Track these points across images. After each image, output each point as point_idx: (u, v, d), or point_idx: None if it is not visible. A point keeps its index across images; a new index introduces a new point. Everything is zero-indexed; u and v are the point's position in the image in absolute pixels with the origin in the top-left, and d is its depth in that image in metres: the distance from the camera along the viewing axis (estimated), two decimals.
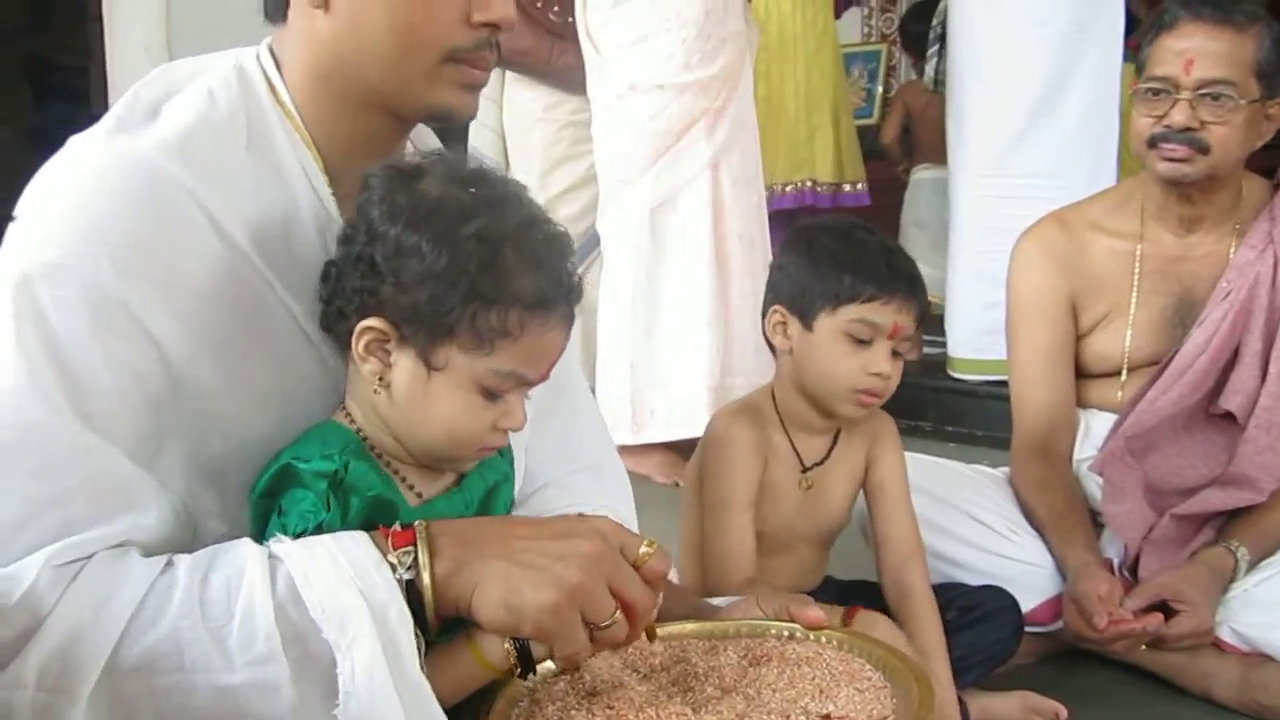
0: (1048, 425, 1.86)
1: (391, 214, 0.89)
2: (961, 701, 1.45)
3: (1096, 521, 1.82)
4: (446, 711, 0.85)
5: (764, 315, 1.54)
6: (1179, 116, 1.68)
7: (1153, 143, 1.72)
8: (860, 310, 1.43)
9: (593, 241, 3.04)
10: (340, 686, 0.79)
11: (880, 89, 5.81)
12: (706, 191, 2.81)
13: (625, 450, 2.72)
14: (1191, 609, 1.59)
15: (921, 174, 4.04)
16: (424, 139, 1.13)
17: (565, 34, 3.05)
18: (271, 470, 0.91)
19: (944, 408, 3.48)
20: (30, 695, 0.77)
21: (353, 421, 0.95)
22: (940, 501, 1.80)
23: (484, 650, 0.87)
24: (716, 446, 1.53)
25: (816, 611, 1.09)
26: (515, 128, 3.33)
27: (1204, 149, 1.69)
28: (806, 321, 1.47)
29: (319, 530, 0.87)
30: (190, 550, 0.86)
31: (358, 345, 0.90)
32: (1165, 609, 1.61)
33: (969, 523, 1.80)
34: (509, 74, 3.28)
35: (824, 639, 1.07)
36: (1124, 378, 1.84)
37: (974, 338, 3.30)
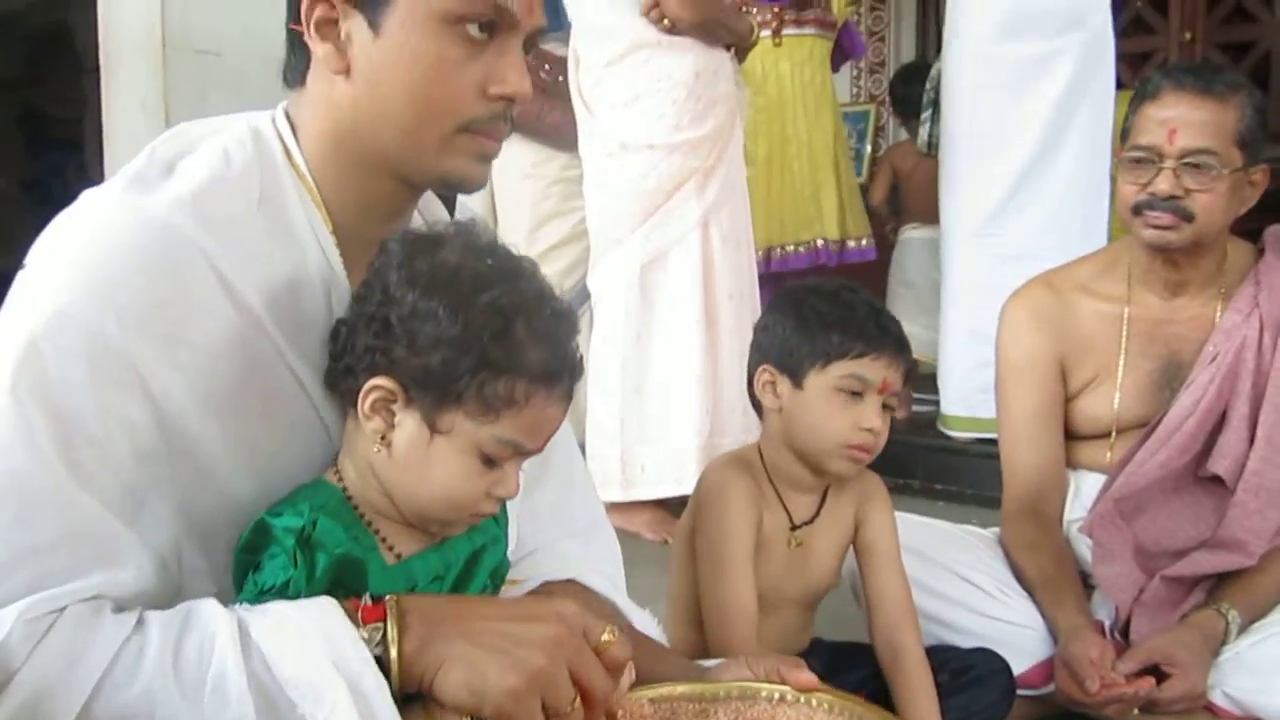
0: (1037, 487, 1.86)
1: (411, 278, 0.91)
2: None
3: (1087, 583, 1.82)
4: None
5: (750, 376, 1.55)
6: (1163, 185, 1.70)
7: (1138, 210, 1.74)
8: (850, 366, 1.45)
9: (581, 296, 3.05)
10: None
11: (869, 149, 5.88)
12: (697, 250, 2.83)
13: (614, 507, 2.71)
14: (1183, 673, 1.59)
15: (909, 234, 4.08)
16: (431, 207, 1.15)
17: (556, 92, 3.09)
18: (251, 527, 0.91)
19: (933, 466, 3.47)
20: None
21: (341, 480, 0.96)
22: (930, 561, 1.79)
23: None
24: (712, 497, 1.52)
25: (808, 674, 1.08)
26: (504, 182, 3.35)
27: (1188, 216, 1.71)
28: (796, 380, 1.48)
29: (285, 587, 0.87)
30: (171, 607, 0.86)
31: (364, 403, 0.92)
32: (1157, 672, 1.60)
33: (959, 583, 1.79)
34: None
35: (815, 702, 1.06)
36: (1113, 439, 1.84)
37: (967, 395, 3.30)
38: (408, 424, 0.92)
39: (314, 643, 0.82)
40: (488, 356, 0.89)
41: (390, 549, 0.96)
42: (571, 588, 1.14)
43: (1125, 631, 1.71)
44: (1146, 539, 1.76)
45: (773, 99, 3.91)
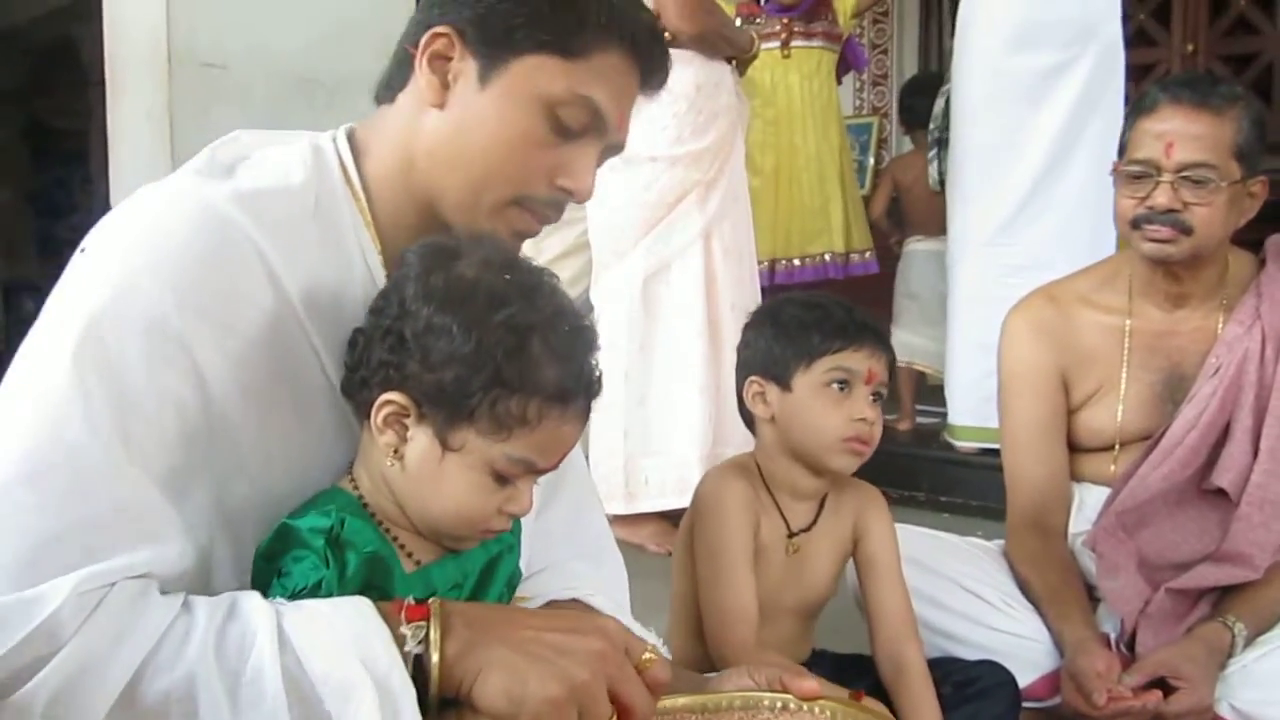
0: (1041, 500, 1.86)
1: (426, 293, 0.91)
2: None
3: (1092, 596, 1.81)
4: None
5: (739, 391, 1.57)
6: (1161, 199, 1.70)
7: (1136, 224, 1.74)
8: (834, 360, 1.48)
9: (585, 308, 3.04)
10: None
11: (872, 161, 5.89)
12: (699, 262, 2.83)
13: (618, 520, 2.71)
14: (1190, 686, 1.58)
15: (914, 246, 4.08)
16: None
17: None
18: (273, 533, 0.91)
19: (938, 478, 3.47)
20: None
21: (356, 488, 0.96)
22: (934, 574, 1.79)
23: None
24: (710, 503, 1.54)
25: (811, 682, 1.08)
26: None
27: (1187, 230, 1.70)
28: (784, 384, 1.51)
29: (318, 588, 0.87)
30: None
31: (376, 417, 0.92)
32: (1164, 685, 1.60)
33: (963, 595, 1.79)
34: None
35: (818, 710, 1.06)
36: (1116, 452, 1.84)
37: (975, 405, 3.30)
38: (420, 439, 0.92)
39: (344, 640, 0.82)
40: (501, 375, 0.89)
41: (409, 556, 0.96)
42: (576, 608, 1.14)
43: (1131, 644, 1.71)
44: (1150, 552, 1.76)
45: (781, 111, 3.92)
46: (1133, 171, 1.74)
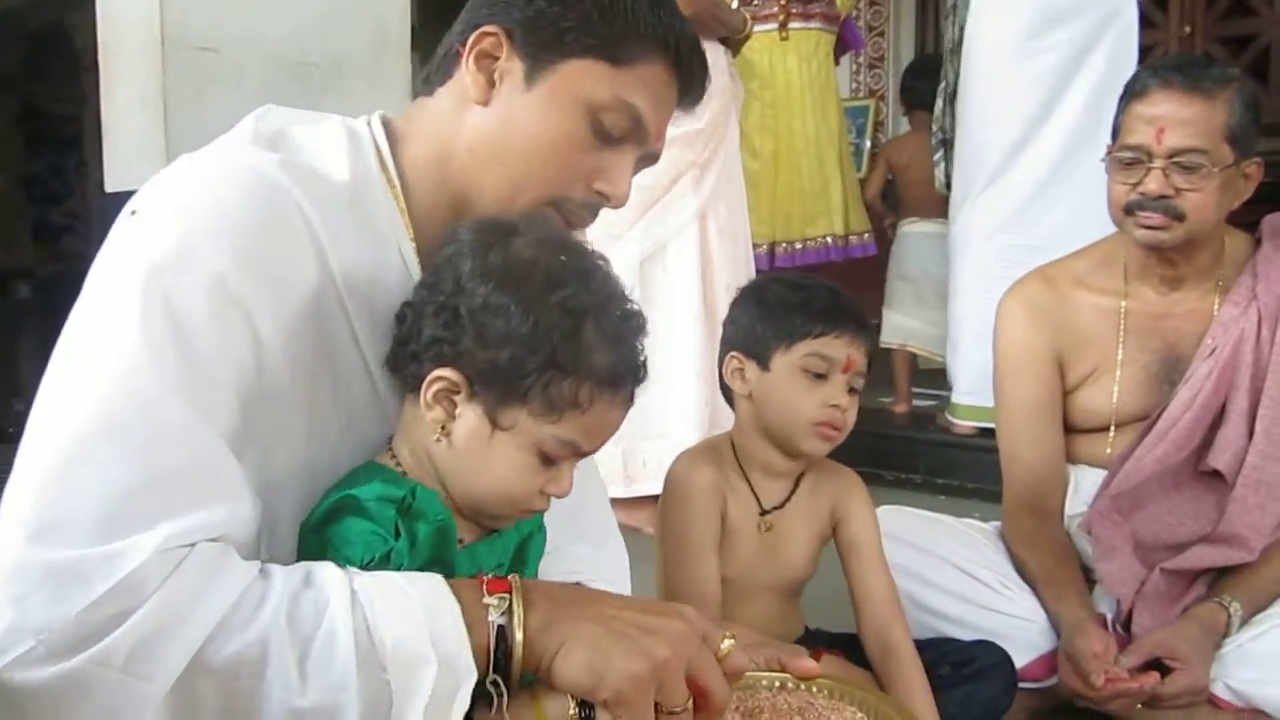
0: (1037, 482, 1.86)
1: (484, 270, 0.90)
2: None
3: (1089, 577, 1.82)
4: None
5: (720, 366, 1.59)
6: (1153, 185, 1.69)
7: (1129, 210, 1.74)
8: (814, 345, 1.49)
9: None
10: None
11: (868, 144, 5.88)
12: (694, 243, 2.83)
13: (617, 503, 2.71)
14: (1186, 667, 1.59)
15: (908, 228, 4.07)
16: None
17: None
18: (328, 502, 0.90)
19: (934, 460, 3.48)
20: (114, 677, 0.76)
21: (398, 464, 0.95)
22: (931, 555, 1.80)
23: (547, 711, 0.87)
24: (676, 489, 1.56)
25: (809, 661, 1.09)
26: None
27: (1179, 216, 1.70)
28: (763, 363, 1.53)
29: (386, 560, 0.87)
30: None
31: (427, 392, 0.91)
32: (1159, 666, 1.60)
33: (960, 577, 1.79)
34: None
35: (815, 689, 1.07)
36: (1112, 434, 1.84)
37: (982, 385, 3.30)
38: (469, 416, 0.92)
39: (417, 614, 0.82)
40: (556, 357, 0.89)
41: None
42: None
43: (1127, 625, 1.71)
44: (1146, 534, 1.76)
45: (779, 93, 3.91)
46: (1124, 157, 1.73)
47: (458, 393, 0.91)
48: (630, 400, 0.96)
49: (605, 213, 1.10)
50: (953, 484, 3.38)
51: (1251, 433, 1.72)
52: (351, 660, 0.79)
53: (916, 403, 3.92)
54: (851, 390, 1.52)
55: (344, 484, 0.92)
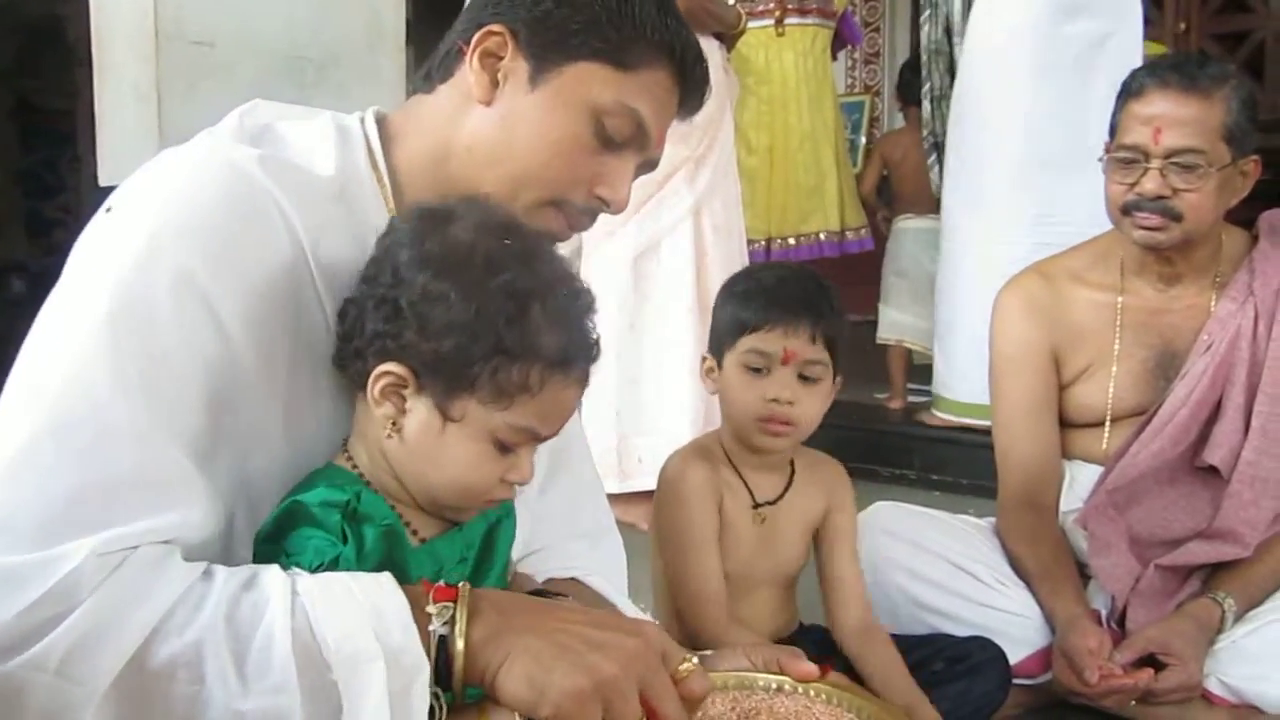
0: (1033, 477, 1.86)
1: (421, 259, 0.89)
2: None
3: (1084, 573, 1.82)
4: None
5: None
6: (1150, 185, 1.69)
7: (1126, 210, 1.73)
8: (750, 341, 1.48)
9: None
10: None
11: (863, 140, 5.88)
12: (689, 239, 2.83)
13: (612, 499, 2.71)
14: (1180, 663, 1.59)
15: (903, 224, 4.06)
16: None
17: None
18: (277, 512, 0.89)
19: (929, 456, 3.48)
20: (48, 680, 0.75)
21: (354, 465, 0.94)
22: (926, 551, 1.79)
23: None
24: (670, 491, 1.55)
25: (808, 664, 1.08)
26: None
27: (1176, 216, 1.69)
28: (719, 361, 1.53)
29: (335, 564, 0.85)
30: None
31: (373, 389, 0.90)
32: (1154, 662, 1.60)
33: (955, 573, 1.79)
34: None
35: (813, 692, 1.06)
36: (1108, 429, 1.84)
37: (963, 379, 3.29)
38: (419, 410, 0.90)
39: (361, 611, 0.80)
40: (502, 342, 0.87)
41: (413, 532, 0.95)
42: (573, 586, 1.13)
43: (1122, 621, 1.72)
44: (1141, 529, 1.76)
45: (776, 89, 3.90)
46: (1121, 157, 1.72)
47: (405, 387, 0.89)
48: (585, 380, 0.94)
49: None
50: (947, 480, 3.38)
51: (1248, 428, 1.72)
52: (290, 662, 0.77)
53: (912, 399, 3.91)
54: (806, 379, 1.48)
55: (295, 490, 0.91)
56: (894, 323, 3.94)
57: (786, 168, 3.92)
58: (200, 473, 0.85)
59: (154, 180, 0.92)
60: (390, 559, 0.88)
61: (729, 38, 2.96)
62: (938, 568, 1.79)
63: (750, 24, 3.36)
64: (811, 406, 1.49)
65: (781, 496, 1.58)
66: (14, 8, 5.23)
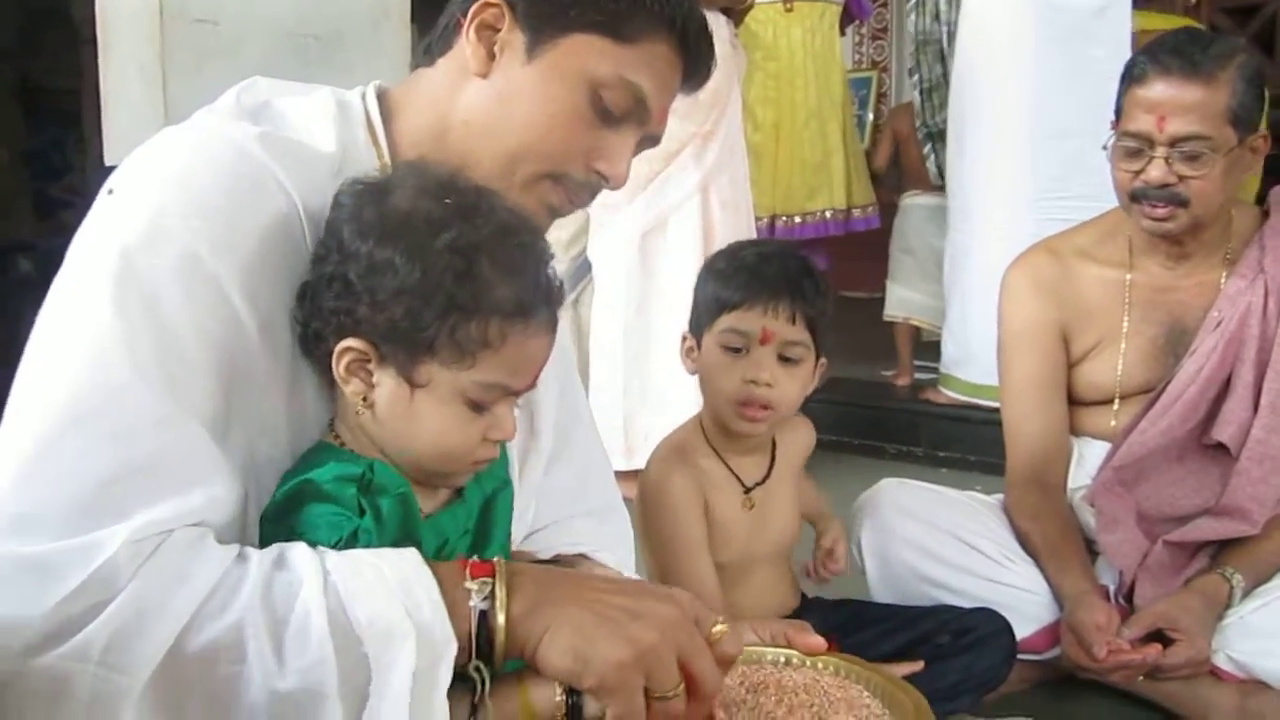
0: (1041, 454, 1.86)
1: (362, 230, 0.88)
2: None
3: (1091, 549, 1.82)
4: None
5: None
6: (1156, 173, 1.67)
7: (1134, 198, 1.72)
8: (727, 320, 1.44)
9: (584, 268, 3.04)
10: (371, 701, 0.78)
11: (871, 116, 5.85)
12: (696, 215, 2.82)
13: (618, 476, 2.71)
14: (1187, 638, 1.59)
15: (911, 200, 4.05)
16: None
17: None
18: (284, 490, 0.88)
19: (936, 433, 3.48)
20: (92, 670, 0.75)
21: (342, 444, 0.94)
22: (934, 527, 1.80)
23: (533, 698, 0.86)
24: (654, 496, 1.51)
25: (815, 638, 1.09)
26: None
27: (1184, 203, 1.68)
28: (699, 341, 1.50)
29: (354, 538, 0.86)
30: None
31: (338, 367, 0.89)
32: (1161, 637, 1.61)
33: (963, 549, 1.79)
34: None
35: (820, 665, 1.07)
36: (1116, 406, 1.83)
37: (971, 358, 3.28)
38: (386, 382, 0.89)
39: (390, 587, 0.80)
40: (454, 300, 0.86)
41: None
42: (581, 562, 1.14)
43: (1129, 597, 1.72)
44: (1149, 506, 1.76)
45: (783, 65, 3.88)
46: (1127, 145, 1.71)
47: (369, 361, 0.89)
48: (551, 327, 0.93)
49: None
50: (955, 456, 3.38)
51: (1256, 406, 1.71)
52: (328, 640, 0.77)
53: (919, 375, 3.91)
54: (786, 360, 1.44)
55: (298, 469, 0.90)
56: (901, 299, 3.93)
57: (792, 144, 3.91)
58: (220, 450, 0.85)
59: (155, 160, 0.92)
60: (405, 530, 0.89)
61: (737, 12, 2.95)
62: (946, 544, 1.79)
63: None
64: (791, 389, 1.45)
65: (768, 475, 1.56)
66: None
